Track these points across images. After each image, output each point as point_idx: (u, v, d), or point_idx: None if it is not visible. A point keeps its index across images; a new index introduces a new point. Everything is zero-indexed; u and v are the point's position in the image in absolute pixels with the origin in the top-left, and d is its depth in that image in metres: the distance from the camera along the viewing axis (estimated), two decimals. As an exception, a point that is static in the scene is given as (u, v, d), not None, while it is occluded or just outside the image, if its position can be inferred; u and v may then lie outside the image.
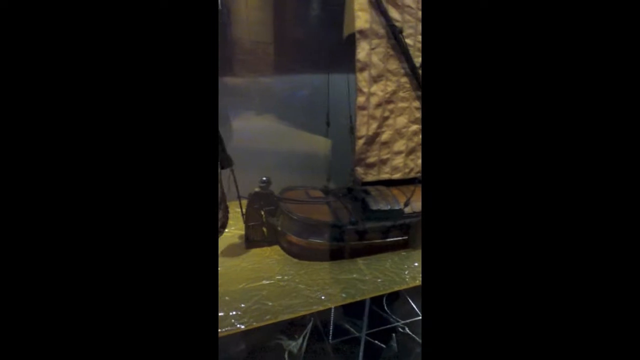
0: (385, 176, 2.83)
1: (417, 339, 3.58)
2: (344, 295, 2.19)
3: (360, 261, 2.48)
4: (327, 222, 2.43)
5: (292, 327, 3.19)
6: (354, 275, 2.34)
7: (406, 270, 2.43)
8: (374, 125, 2.60)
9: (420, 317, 3.65)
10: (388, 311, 3.67)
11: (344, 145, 2.78)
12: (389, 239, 2.55)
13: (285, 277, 2.28)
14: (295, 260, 2.44)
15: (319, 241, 2.40)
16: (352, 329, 3.31)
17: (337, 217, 2.48)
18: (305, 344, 3.19)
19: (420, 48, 2.47)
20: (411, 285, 2.34)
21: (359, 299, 2.22)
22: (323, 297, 2.14)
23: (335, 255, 2.46)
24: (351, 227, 2.42)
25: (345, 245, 2.44)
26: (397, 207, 2.54)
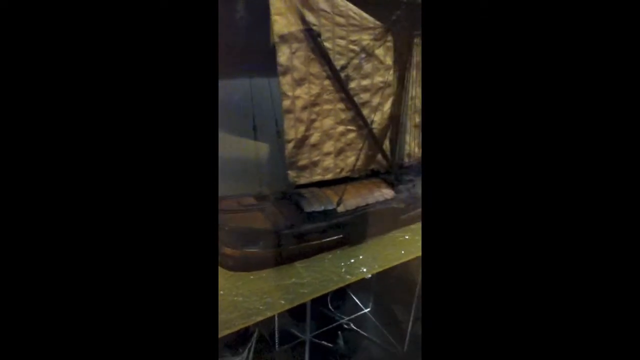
0: (317, 178, 2.86)
1: (363, 333, 3.70)
2: (282, 301, 2.17)
3: (299, 265, 2.48)
4: (262, 229, 2.38)
5: (236, 340, 3.08)
6: (293, 280, 2.33)
7: (343, 268, 2.48)
8: (302, 128, 2.62)
9: (365, 311, 3.77)
10: (332, 310, 3.73)
11: (274, 150, 2.76)
12: (325, 239, 2.58)
13: (221, 292, 2.18)
14: (230, 272, 2.35)
15: (254, 250, 2.35)
16: (297, 333, 3.30)
17: (272, 222, 2.45)
18: (251, 356, 3.10)
19: (339, 51, 2.55)
20: (349, 281, 2.40)
21: (299, 302, 2.21)
22: (261, 307, 2.09)
23: (273, 262, 2.42)
24: (287, 231, 2.41)
25: (282, 250, 2.41)
26: (330, 207, 2.59)
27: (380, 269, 2.59)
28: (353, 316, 3.78)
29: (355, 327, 3.73)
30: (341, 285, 2.35)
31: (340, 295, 3.85)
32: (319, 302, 2.95)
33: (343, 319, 3.71)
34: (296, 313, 2.94)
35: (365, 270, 2.48)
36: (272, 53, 2.43)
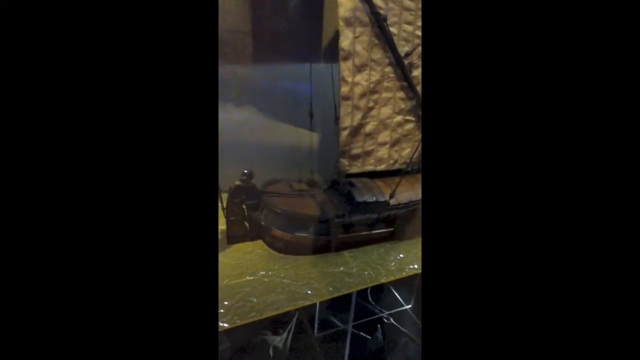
0: (369, 168, 2.79)
1: (402, 329, 3.62)
2: (330, 289, 2.15)
3: (347, 254, 2.45)
4: (313, 215, 2.38)
5: (276, 322, 3.16)
6: (341, 269, 2.30)
7: (392, 262, 2.41)
8: (358, 116, 2.55)
9: (405, 307, 3.69)
10: (373, 303, 3.69)
11: (328, 137, 2.73)
12: (374, 231, 2.53)
13: (270, 273, 2.22)
14: (280, 255, 2.39)
15: (304, 235, 2.35)
16: (337, 322, 3.31)
17: (322, 210, 2.43)
18: (290, 338, 3.16)
19: (405, 37, 2.43)
20: (397, 277, 2.33)
21: (345, 292, 2.19)
22: (309, 292, 2.10)
23: (321, 249, 2.42)
24: (337, 220, 2.38)
25: (331, 238, 2.40)
26: (382, 199, 2.52)
27: (418, 271, 2.49)
28: (393, 311, 3.71)
29: (394, 322, 3.67)
30: (390, 279, 2.29)
31: (381, 289, 3.80)
32: (359, 293, 2.92)
33: (383, 312, 3.66)
34: (335, 303, 2.94)
35: (416, 267, 2.39)
36: (332, 39, 2.37)
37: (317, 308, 3.09)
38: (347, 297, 2.47)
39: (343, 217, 2.40)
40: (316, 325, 3.18)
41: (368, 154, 2.75)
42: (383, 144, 2.75)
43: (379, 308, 3.63)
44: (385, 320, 3.67)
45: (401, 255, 2.49)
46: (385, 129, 2.69)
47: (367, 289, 3.61)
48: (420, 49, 2.48)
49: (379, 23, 2.30)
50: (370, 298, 3.77)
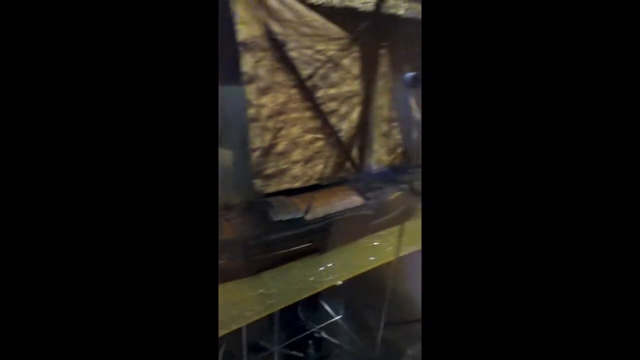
0: (285, 186, 2.84)
1: (334, 340, 3.68)
2: (248, 313, 2.12)
3: (266, 275, 2.44)
4: (228, 239, 2.33)
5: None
6: (260, 291, 2.29)
7: (312, 276, 2.47)
8: (268, 137, 2.60)
9: (336, 318, 3.76)
10: (303, 319, 3.70)
11: (240, 158, 2.72)
12: (293, 248, 2.57)
13: (185, 305, 2.11)
14: (196, 285, 2.28)
15: (220, 262, 2.29)
16: (266, 345, 3.24)
17: (238, 232, 2.40)
18: (220, 370, 3.01)
19: (306, 60, 2.56)
20: (318, 290, 2.39)
21: (265, 314, 2.17)
22: (227, 320, 2.04)
23: (239, 273, 2.37)
24: (254, 241, 2.37)
25: (248, 261, 2.37)
26: (298, 216, 2.58)
27: (350, 276, 2.59)
28: (324, 324, 3.75)
29: (326, 336, 3.71)
30: (310, 294, 2.34)
31: (311, 304, 3.83)
32: (289, 312, 2.92)
33: (314, 327, 3.68)
34: (266, 324, 2.89)
35: (334, 277, 2.48)
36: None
37: (244, 334, 3.01)
38: (273, 317, 2.45)
39: (259, 237, 2.40)
40: (245, 353, 3.07)
41: (283, 172, 2.80)
42: (296, 162, 2.82)
43: (309, 323, 3.65)
44: (317, 335, 3.70)
45: (321, 268, 2.56)
46: (296, 147, 2.77)
47: (296, 306, 3.62)
48: (322, 71, 2.64)
49: (279, 47, 2.40)
50: (300, 315, 3.77)
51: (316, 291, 2.37)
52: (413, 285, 3.45)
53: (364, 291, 3.73)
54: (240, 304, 2.19)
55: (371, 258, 2.73)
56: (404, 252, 2.77)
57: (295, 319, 3.70)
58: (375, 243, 2.94)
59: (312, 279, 2.45)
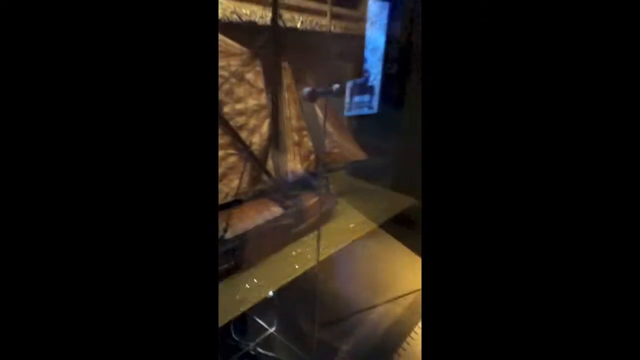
0: (201, 206, 2.74)
1: (270, 354, 3.64)
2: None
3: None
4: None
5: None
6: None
7: (237, 295, 2.43)
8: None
9: (270, 331, 3.73)
10: (237, 339, 3.59)
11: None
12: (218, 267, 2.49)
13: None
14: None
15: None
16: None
17: None
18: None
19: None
20: (245, 308, 2.36)
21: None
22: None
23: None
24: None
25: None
26: (218, 236, 2.51)
27: (276, 288, 2.62)
28: (259, 340, 3.70)
29: (261, 351, 3.66)
30: (237, 314, 2.29)
31: (244, 321, 3.75)
32: (222, 334, 2.82)
33: (248, 345, 3.60)
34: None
35: (261, 293, 2.47)
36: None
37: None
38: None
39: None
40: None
41: (196, 192, 2.69)
42: (209, 180, 2.75)
43: (244, 342, 3.56)
44: (252, 352, 3.62)
45: (247, 286, 2.53)
46: (208, 165, 2.70)
47: (229, 326, 3.49)
48: (226, 86, 2.62)
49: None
50: (234, 335, 3.66)
51: (243, 310, 2.34)
52: (340, 284, 3.61)
53: (294, 299, 3.78)
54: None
55: (296, 266, 2.78)
56: (323, 256, 2.90)
57: (230, 340, 3.57)
58: (298, 250, 3.01)
59: (238, 297, 2.41)
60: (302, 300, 3.68)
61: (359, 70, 3.93)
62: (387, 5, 3.65)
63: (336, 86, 3.19)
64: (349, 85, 3.97)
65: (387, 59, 3.77)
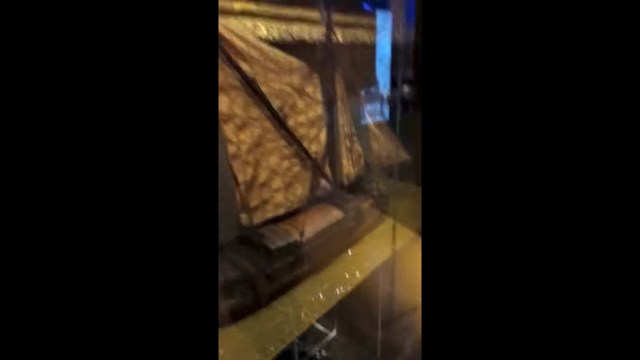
0: (270, 215, 2.91)
1: (334, 357, 3.75)
2: (272, 348, 2.14)
3: (277, 304, 2.48)
4: (234, 278, 2.33)
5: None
6: (278, 321, 2.32)
7: (320, 293, 2.57)
8: (250, 170, 2.67)
9: (332, 335, 3.84)
10: (300, 343, 3.71)
11: (225, 196, 2.73)
12: (295, 272, 2.64)
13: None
14: (212, 331, 2.23)
15: (233, 301, 2.27)
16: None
17: (241, 269, 2.41)
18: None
19: (275, 94, 2.71)
20: (330, 305, 2.49)
21: (289, 342, 2.21)
22: (259, 356, 2.04)
23: (252, 308, 2.37)
24: (259, 274, 2.39)
25: (259, 295, 2.38)
26: (292, 240, 2.66)
27: (348, 288, 2.74)
28: (321, 343, 3.82)
29: (326, 355, 3.77)
30: (325, 311, 2.43)
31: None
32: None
33: (313, 348, 3.72)
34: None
35: (341, 289, 2.60)
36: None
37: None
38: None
39: (264, 269, 2.43)
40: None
41: (266, 202, 2.86)
42: (277, 189, 2.91)
43: (308, 346, 3.67)
44: (317, 355, 3.73)
45: (325, 285, 2.67)
46: (276, 175, 2.87)
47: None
48: (290, 101, 2.80)
49: (249, 85, 2.51)
50: (296, 340, 3.78)
51: (330, 307, 2.47)
52: (397, 282, 3.70)
53: (350, 301, 3.90)
54: (261, 337, 2.20)
55: (366, 264, 2.92)
56: (397, 246, 3.02)
57: (293, 346, 3.69)
58: (364, 248, 3.15)
59: (321, 296, 2.55)
60: (360, 301, 3.79)
61: (372, 78, 4.08)
62: (392, 15, 3.82)
63: (407, 89, 3.32)
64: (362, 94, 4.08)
65: (396, 66, 3.90)
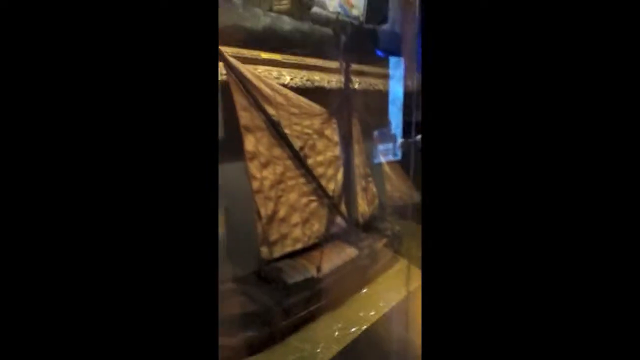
0: (288, 249, 2.99)
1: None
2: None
3: (293, 339, 2.48)
4: (252, 311, 2.37)
5: None
6: (295, 356, 2.31)
7: (335, 331, 2.57)
8: (271, 205, 2.80)
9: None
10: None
11: (239, 231, 2.84)
12: (310, 308, 2.66)
13: (226, 388, 2.06)
14: (228, 364, 2.24)
15: (251, 334, 2.30)
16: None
17: (259, 303, 2.45)
18: None
19: (296, 135, 2.91)
20: (345, 343, 2.48)
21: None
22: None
23: (269, 342, 2.38)
24: (276, 308, 2.43)
25: (275, 329, 2.41)
26: (310, 275, 2.72)
27: (363, 327, 2.73)
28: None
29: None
30: (341, 347, 2.42)
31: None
32: None
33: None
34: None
35: (355, 328, 2.60)
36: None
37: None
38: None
39: (281, 303, 2.47)
40: None
41: (285, 237, 2.96)
42: (295, 225, 3.02)
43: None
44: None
45: (339, 324, 2.67)
46: (295, 211, 2.99)
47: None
48: (310, 142, 3.00)
49: (274, 127, 2.72)
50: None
51: (345, 345, 2.47)
52: (412, 325, 3.63)
53: (360, 343, 3.81)
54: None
55: (381, 304, 2.92)
56: (411, 287, 3.03)
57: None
58: (378, 288, 3.15)
59: (336, 334, 2.55)
60: (370, 344, 3.71)
61: (385, 120, 4.30)
62: (401, 60, 4.11)
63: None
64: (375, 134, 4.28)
65: (406, 108, 4.12)
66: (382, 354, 3.42)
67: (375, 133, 4.15)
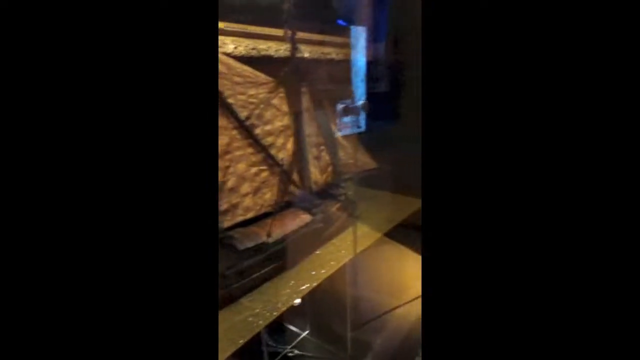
0: (240, 218, 3.08)
1: (308, 354, 3.87)
2: (239, 340, 2.29)
3: (245, 300, 2.63)
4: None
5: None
6: (245, 314, 2.47)
7: (286, 289, 2.74)
8: (219, 176, 2.85)
9: (304, 334, 3.98)
10: (273, 345, 3.83)
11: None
12: (264, 271, 2.81)
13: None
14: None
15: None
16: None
17: None
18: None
19: (241, 104, 2.93)
20: (296, 299, 2.66)
21: (254, 333, 2.37)
22: (221, 348, 2.19)
23: (222, 303, 2.52)
24: (228, 272, 2.56)
25: (228, 291, 2.54)
26: (261, 241, 2.85)
27: (318, 283, 2.92)
28: (294, 343, 3.94)
29: (299, 352, 3.89)
30: (288, 306, 2.60)
31: (277, 328, 3.98)
32: (257, 341, 3.07)
33: (286, 348, 3.84)
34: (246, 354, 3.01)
35: (305, 287, 2.79)
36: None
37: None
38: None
39: (234, 267, 2.60)
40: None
41: (235, 206, 3.04)
42: (246, 194, 3.10)
43: (280, 346, 3.79)
44: (290, 354, 3.85)
45: (291, 282, 2.85)
46: (244, 181, 3.06)
47: (263, 334, 3.74)
48: (257, 112, 3.02)
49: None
50: (269, 341, 3.89)
51: (294, 303, 2.65)
52: (364, 286, 3.90)
53: (322, 301, 4.06)
54: (230, 331, 2.34)
55: (332, 263, 3.11)
56: (359, 248, 3.24)
57: (266, 346, 3.80)
58: (330, 249, 3.35)
59: (288, 291, 2.72)
60: (331, 301, 3.96)
61: (349, 91, 4.36)
62: (366, 30, 4.13)
63: (362, 102, 3.60)
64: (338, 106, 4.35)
65: (371, 79, 4.19)
66: (338, 313, 3.68)
67: (337, 104, 4.19)
